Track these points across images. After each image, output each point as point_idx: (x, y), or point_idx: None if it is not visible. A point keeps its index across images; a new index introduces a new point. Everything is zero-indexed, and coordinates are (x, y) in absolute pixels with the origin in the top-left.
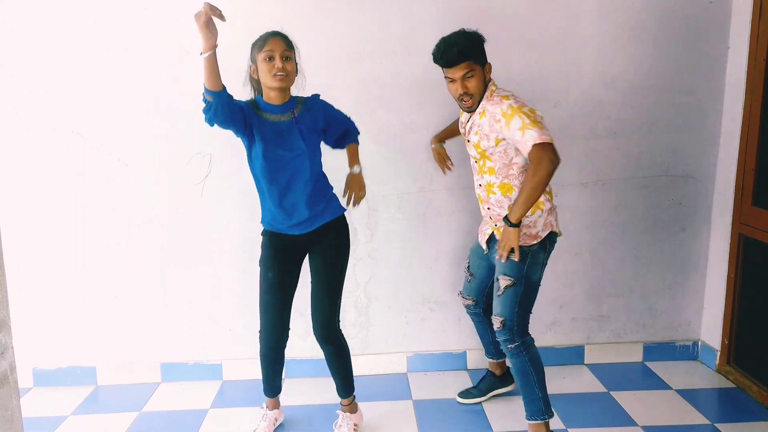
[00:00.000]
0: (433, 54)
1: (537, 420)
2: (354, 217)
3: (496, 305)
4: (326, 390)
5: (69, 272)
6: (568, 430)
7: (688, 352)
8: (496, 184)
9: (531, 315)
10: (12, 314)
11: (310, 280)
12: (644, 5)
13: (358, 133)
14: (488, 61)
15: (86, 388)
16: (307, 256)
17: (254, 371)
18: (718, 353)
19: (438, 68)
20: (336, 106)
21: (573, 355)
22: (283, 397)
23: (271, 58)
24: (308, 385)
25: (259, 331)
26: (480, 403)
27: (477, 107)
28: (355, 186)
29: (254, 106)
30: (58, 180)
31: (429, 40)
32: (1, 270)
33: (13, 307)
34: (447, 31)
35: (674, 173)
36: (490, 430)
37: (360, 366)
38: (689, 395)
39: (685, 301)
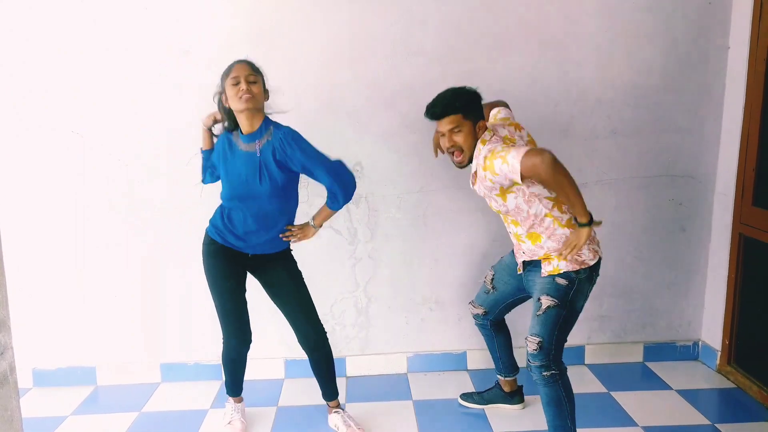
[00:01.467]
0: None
1: None
2: (354, 216)
3: (534, 325)
4: None
5: (69, 272)
6: None
7: (689, 352)
8: (523, 235)
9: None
10: (12, 314)
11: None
12: (644, 5)
13: (353, 187)
14: (483, 119)
15: (86, 389)
16: (249, 273)
17: (254, 372)
18: (719, 353)
19: (435, 68)
20: (336, 107)
21: (573, 356)
22: (282, 398)
23: (237, 83)
24: (308, 386)
25: (223, 339)
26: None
27: (468, 163)
28: (302, 231)
29: (233, 134)
30: (58, 180)
31: (429, 40)
32: (1, 270)
33: (13, 307)
34: (447, 32)
35: (674, 173)
36: (490, 429)
37: (360, 366)
38: (690, 395)
39: (685, 302)
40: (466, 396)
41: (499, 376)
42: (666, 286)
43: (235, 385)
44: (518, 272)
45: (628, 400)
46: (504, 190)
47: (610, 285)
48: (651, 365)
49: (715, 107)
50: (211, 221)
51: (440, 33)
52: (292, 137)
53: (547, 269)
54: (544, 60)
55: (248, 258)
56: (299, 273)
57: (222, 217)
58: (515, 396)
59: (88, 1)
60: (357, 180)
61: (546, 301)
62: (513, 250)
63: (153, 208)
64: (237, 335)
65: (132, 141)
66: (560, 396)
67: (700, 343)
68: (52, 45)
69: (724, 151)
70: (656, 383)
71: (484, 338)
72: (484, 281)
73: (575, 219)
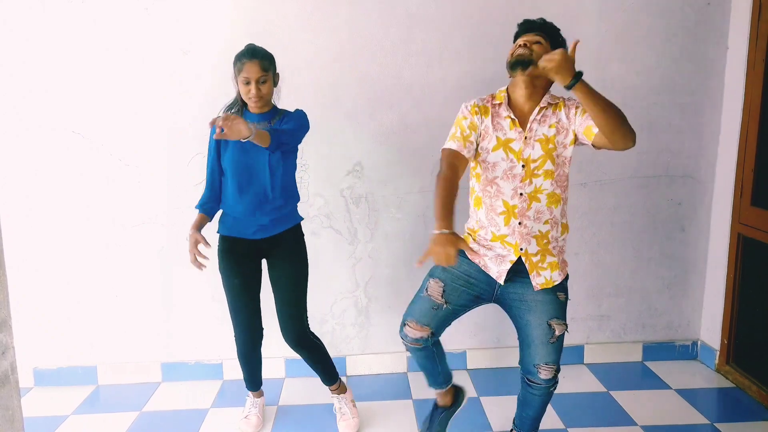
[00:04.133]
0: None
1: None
2: (354, 217)
3: (548, 353)
4: (326, 389)
5: (69, 272)
6: (568, 429)
7: (688, 351)
8: (547, 191)
9: None
10: (13, 314)
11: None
12: (643, 6)
13: (280, 138)
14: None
15: (87, 388)
16: (265, 262)
17: None
18: (718, 353)
19: (436, 68)
20: (336, 107)
21: (573, 355)
22: (283, 397)
23: (247, 83)
24: (308, 385)
25: (234, 335)
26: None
27: (529, 65)
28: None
29: (240, 110)
30: (58, 180)
31: (429, 40)
32: (2, 270)
33: (14, 306)
34: (447, 32)
35: (674, 173)
36: (490, 429)
37: (360, 366)
38: (689, 395)
39: (684, 301)
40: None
41: (437, 391)
42: (665, 286)
43: (250, 380)
44: (500, 283)
45: (627, 399)
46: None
47: (610, 285)
48: (650, 365)
49: (714, 107)
50: (219, 221)
51: (440, 33)
52: (300, 116)
53: (538, 282)
54: None
55: (258, 243)
56: (300, 265)
57: (234, 207)
58: (458, 397)
59: (88, 1)
60: (357, 180)
61: (558, 327)
62: (466, 256)
63: (153, 207)
64: (244, 332)
65: (132, 141)
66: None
67: (699, 342)
68: (52, 45)
69: (723, 151)
70: (655, 383)
71: (418, 359)
72: (428, 296)
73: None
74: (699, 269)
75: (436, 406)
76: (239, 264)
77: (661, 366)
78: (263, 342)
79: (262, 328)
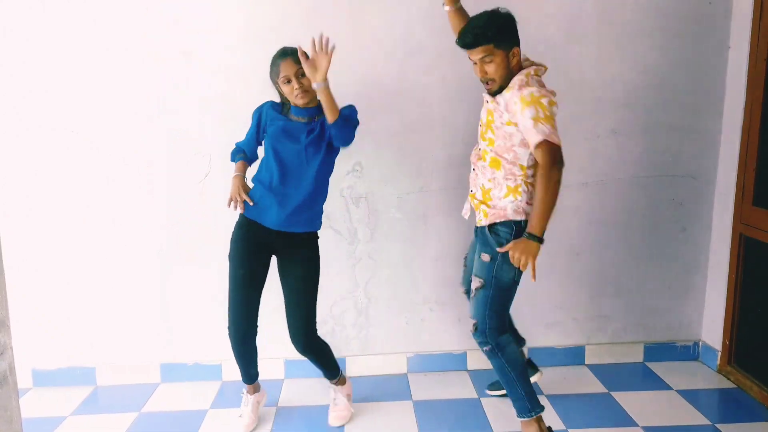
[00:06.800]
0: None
1: (525, 417)
2: (354, 216)
3: (470, 307)
4: (325, 391)
5: (69, 272)
6: (569, 430)
7: (689, 352)
8: (489, 154)
9: (505, 314)
10: (11, 314)
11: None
12: (644, 5)
13: (350, 112)
14: (518, 45)
15: (85, 389)
16: (275, 260)
17: None
18: (719, 353)
19: (435, 68)
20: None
21: (573, 356)
22: (282, 398)
23: (288, 81)
24: (308, 386)
25: (228, 326)
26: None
27: (500, 91)
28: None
29: (283, 106)
30: (58, 180)
31: (429, 40)
32: (1, 270)
33: (13, 306)
34: (448, 31)
35: (675, 173)
36: (490, 430)
37: (360, 366)
38: (690, 396)
39: (685, 302)
40: (491, 386)
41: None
42: (666, 286)
43: (244, 373)
44: (464, 215)
45: (628, 400)
46: (512, 122)
47: (610, 285)
48: (651, 365)
49: (716, 107)
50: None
51: (440, 33)
52: (349, 106)
53: (478, 217)
54: (544, 59)
55: (274, 237)
56: (313, 270)
57: (264, 187)
58: (528, 368)
59: (88, 1)
60: (357, 180)
61: (474, 282)
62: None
63: (153, 208)
64: (236, 325)
65: (132, 141)
66: (504, 366)
67: (700, 343)
68: (52, 45)
69: (725, 151)
70: (656, 383)
71: None
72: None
73: (528, 231)
74: (700, 269)
75: None
76: (249, 255)
77: (663, 367)
78: (262, 343)
79: (256, 326)
